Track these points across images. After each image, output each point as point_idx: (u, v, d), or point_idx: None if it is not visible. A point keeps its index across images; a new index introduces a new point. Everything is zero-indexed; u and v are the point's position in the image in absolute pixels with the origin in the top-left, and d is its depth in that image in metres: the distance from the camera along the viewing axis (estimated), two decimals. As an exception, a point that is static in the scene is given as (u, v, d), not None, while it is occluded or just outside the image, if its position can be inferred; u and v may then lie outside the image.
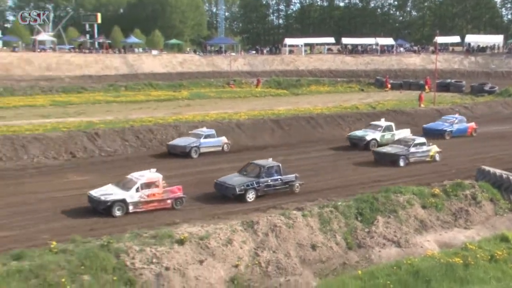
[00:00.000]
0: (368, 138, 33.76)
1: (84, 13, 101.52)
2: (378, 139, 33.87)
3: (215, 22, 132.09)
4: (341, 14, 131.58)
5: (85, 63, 72.40)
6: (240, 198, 22.74)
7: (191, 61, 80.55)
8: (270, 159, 25.19)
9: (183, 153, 31.29)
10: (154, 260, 15.64)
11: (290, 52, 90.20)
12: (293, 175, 24.55)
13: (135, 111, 43.12)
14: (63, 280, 14.24)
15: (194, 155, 31.36)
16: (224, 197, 23.18)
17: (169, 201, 21.83)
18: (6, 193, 23.32)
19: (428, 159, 30.50)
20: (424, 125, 39.37)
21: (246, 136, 36.22)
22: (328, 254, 18.29)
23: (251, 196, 22.98)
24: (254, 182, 23.20)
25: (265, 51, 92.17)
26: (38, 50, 75.24)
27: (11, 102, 47.02)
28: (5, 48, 78.16)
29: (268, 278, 16.78)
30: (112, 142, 32.30)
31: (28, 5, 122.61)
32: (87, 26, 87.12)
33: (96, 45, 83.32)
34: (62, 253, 15.28)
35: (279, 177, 23.91)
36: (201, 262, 16.16)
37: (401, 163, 29.43)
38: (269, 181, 23.64)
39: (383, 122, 35.54)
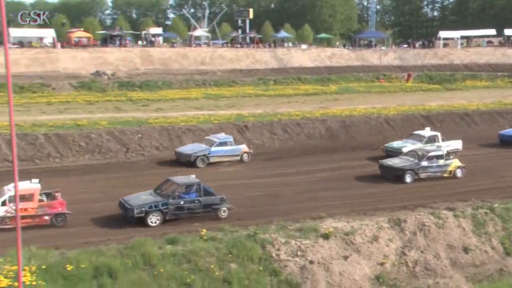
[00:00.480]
0: (405, 150, 28.33)
1: (237, 9, 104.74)
2: None
3: (365, 15, 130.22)
4: (504, 3, 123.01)
5: (236, 57, 74.51)
6: (142, 221, 18.95)
7: (340, 55, 79.92)
8: (193, 176, 20.96)
9: (188, 162, 27.89)
10: (298, 253, 15.71)
11: (445, 45, 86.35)
12: (218, 197, 20.24)
13: (283, 105, 43.45)
14: (212, 266, 14.78)
15: (201, 164, 27.84)
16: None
17: (46, 217, 18.93)
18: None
19: (446, 175, 25.98)
20: (501, 132, 34.24)
21: (395, 132, 35.13)
22: (483, 258, 17.27)
23: (154, 219, 19.09)
24: (161, 204, 19.29)
25: (417, 45, 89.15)
26: (194, 45, 78.89)
27: (168, 95, 49.40)
28: (165, 44, 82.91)
29: (416, 279, 16.22)
30: (260, 135, 32.95)
31: (186, 3, 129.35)
32: (239, 21, 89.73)
33: (248, 40, 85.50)
34: (212, 241, 15.88)
35: (197, 198, 19.95)
36: (345, 257, 15.99)
37: (408, 179, 25.26)
38: (182, 202, 19.68)
39: (427, 132, 30.76)
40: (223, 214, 20.07)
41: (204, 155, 28.23)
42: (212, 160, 28.34)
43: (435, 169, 25.83)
